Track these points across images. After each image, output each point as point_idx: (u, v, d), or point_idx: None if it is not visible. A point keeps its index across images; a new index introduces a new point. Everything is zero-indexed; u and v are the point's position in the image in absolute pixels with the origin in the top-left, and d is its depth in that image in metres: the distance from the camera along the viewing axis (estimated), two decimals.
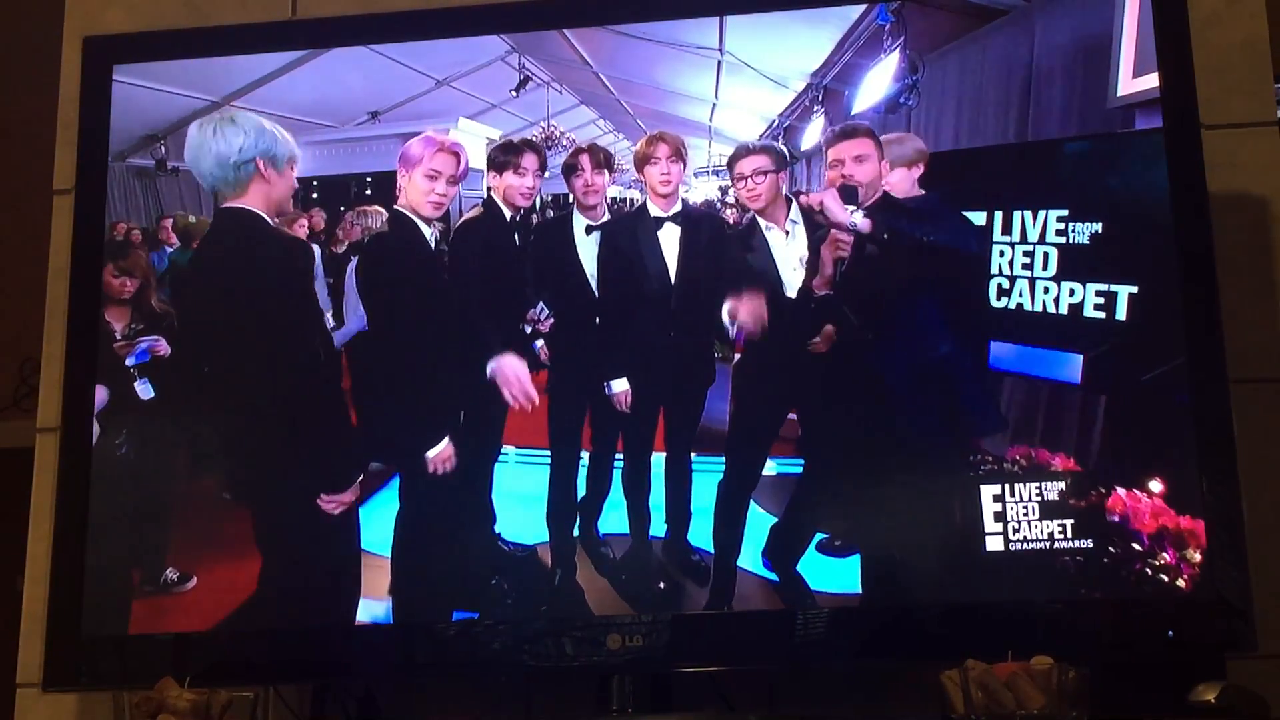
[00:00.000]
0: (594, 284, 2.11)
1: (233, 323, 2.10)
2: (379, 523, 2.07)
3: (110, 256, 2.16)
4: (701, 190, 2.14)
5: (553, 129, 2.21)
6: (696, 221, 2.11)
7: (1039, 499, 1.92)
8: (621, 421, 2.09)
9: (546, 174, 2.13)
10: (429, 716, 2.17)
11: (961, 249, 2.02)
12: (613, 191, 2.14)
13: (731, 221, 2.12)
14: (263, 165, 2.09)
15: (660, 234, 2.10)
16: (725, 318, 2.06)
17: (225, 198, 2.09)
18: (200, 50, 2.24)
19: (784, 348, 2.05)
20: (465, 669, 2.03)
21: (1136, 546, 1.86)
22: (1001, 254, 2.00)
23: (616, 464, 2.08)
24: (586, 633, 1.96)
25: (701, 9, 2.13)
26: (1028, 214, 1.99)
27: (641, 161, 2.11)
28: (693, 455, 2.06)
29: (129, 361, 2.12)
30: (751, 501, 2.04)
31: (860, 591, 1.95)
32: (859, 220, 2.00)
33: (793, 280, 2.06)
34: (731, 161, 2.09)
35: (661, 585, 2.03)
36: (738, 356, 2.07)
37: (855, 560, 1.96)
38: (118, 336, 2.14)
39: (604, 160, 2.12)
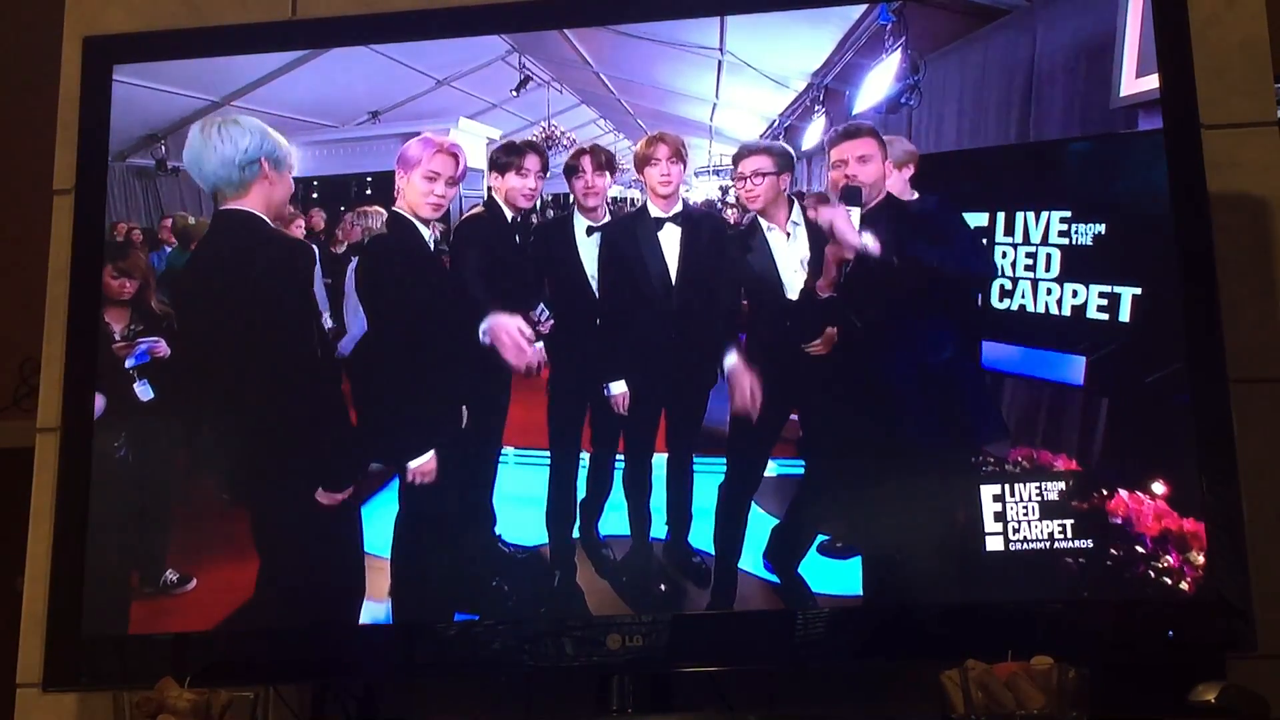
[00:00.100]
0: (594, 285, 2.11)
1: (233, 324, 2.10)
2: (379, 524, 2.07)
3: (109, 258, 2.16)
4: (702, 190, 2.14)
5: (553, 129, 2.21)
6: (697, 222, 2.11)
7: (1039, 499, 1.92)
8: (621, 422, 2.09)
9: (548, 175, 2.13)
10: (429, 716, 2.17)
11: (967, 266, 2.02)
12: (612, 191, 2.14)
13: (732, 221, 2.12)
14: (267, 166, 2.09)
15: (661, 235, 2.10)
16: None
17: (226, 199, 2.09)
18: (200, 50, 2.24)
19: (785, 349, 2.05)
20: (465, 669, 2.03)
21: (1139, 549, 1.86)
22: (1004, 255, 2.00)
23: (617, 465, 2.08)
24: (586, 633, 1.96)
25: (702, 9, 2.13)
26: (1030, 215, 1.99)
27: (641, 162, 2.10)
28: (694, 457, 2.06)
29: (128, 363, 2.12)
30: (753, 503, 2.04)
31: (862, 594, 1.95)
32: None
33: (793, 281, 2.05)
34: (735, 160, 2.09)
35: (663, 587, 2.02)
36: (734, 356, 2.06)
37: (857, 562, 1.96)
38: (117, 338, 2.13)
39: (605, 162, 2.12)
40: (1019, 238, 1.99)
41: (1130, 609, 1.87)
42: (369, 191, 2.18)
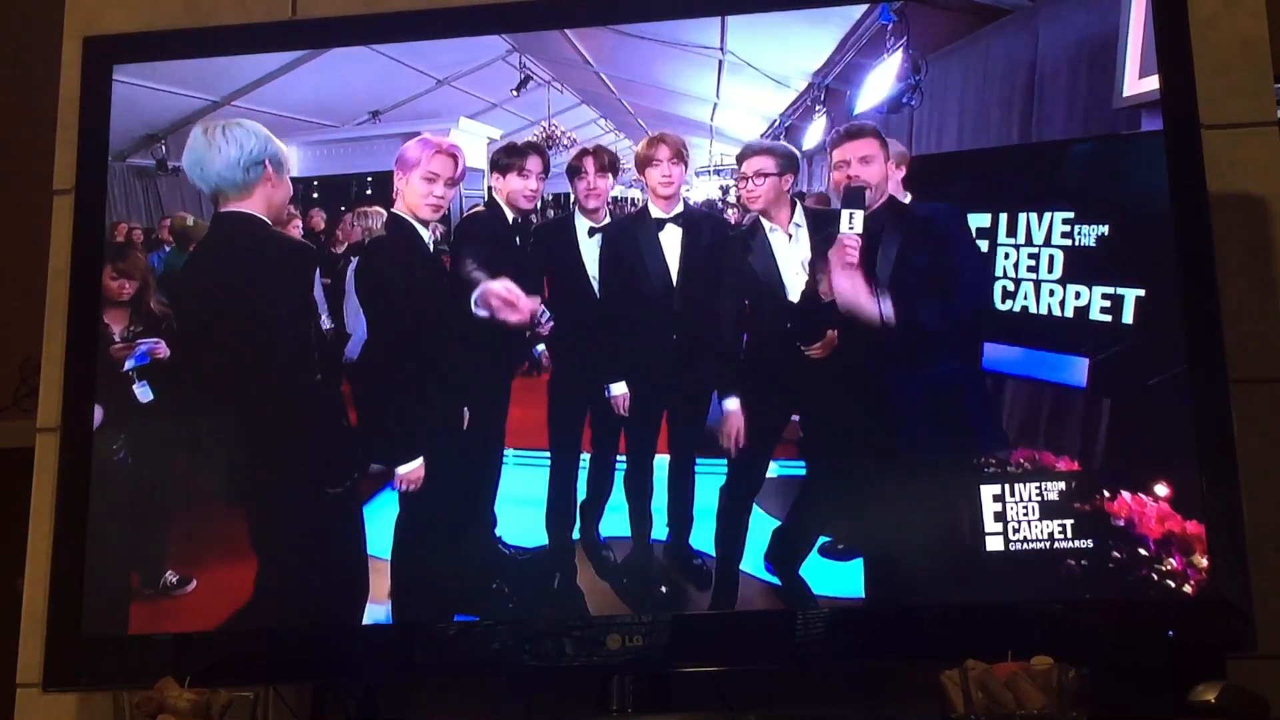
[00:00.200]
0: (596, 286, 2.10)
1: (234, 326, 2.10)
2: (380, 525, 2.07)
3: (109, 259, 2.15)
4: (702, 189, 2.14)
5: (553, 128, 2.21)
6: (698, 223, 2.11)
7: (1039, 499, 1.92)
8: (622, 424, 2.08)
9: (549, 175, 2.13)
10: (429, 716, 2.17)
11: (967, 284, 2.01)
12: (613, 191, 2.14)
13: (733, 221, 2.12)
14: (270, 169, 2.09)
15: (662, 235, 2.10)
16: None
17: (227, 201, 2.09)
18: (200, 50, 2.24)
19: (787, 351, 2.05)
20: (465, 669, 2.03)
21: (1142, 551, 1.86)
22: (1006, 256, 2.00)
23: (618, 466, 2.08)
24: (586, 633, 1.96)
25: (703, 9, 2.12)
26: (1033, 216, 1.98)
27: (643, 163, 2.10)
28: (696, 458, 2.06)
29: (128, 364, 2.12)
30: (754, 505, 2.03)
31: (864, 596, 1.95)
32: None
33: (795, 283, 2.05)
34: (738, 159, 2.08)
35: (663, 589, 2.02)
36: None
37: (858, 564, 1.96)
38: (116, 339, 2.13)
39: (608, 164, 2.11)
40: (1021, 239, 1.98)
41: (1130, 609, 1.87)
42: (369, 191, 2.18)
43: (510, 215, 2.13)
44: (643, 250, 2.10)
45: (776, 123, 2.14)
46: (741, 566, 2.00)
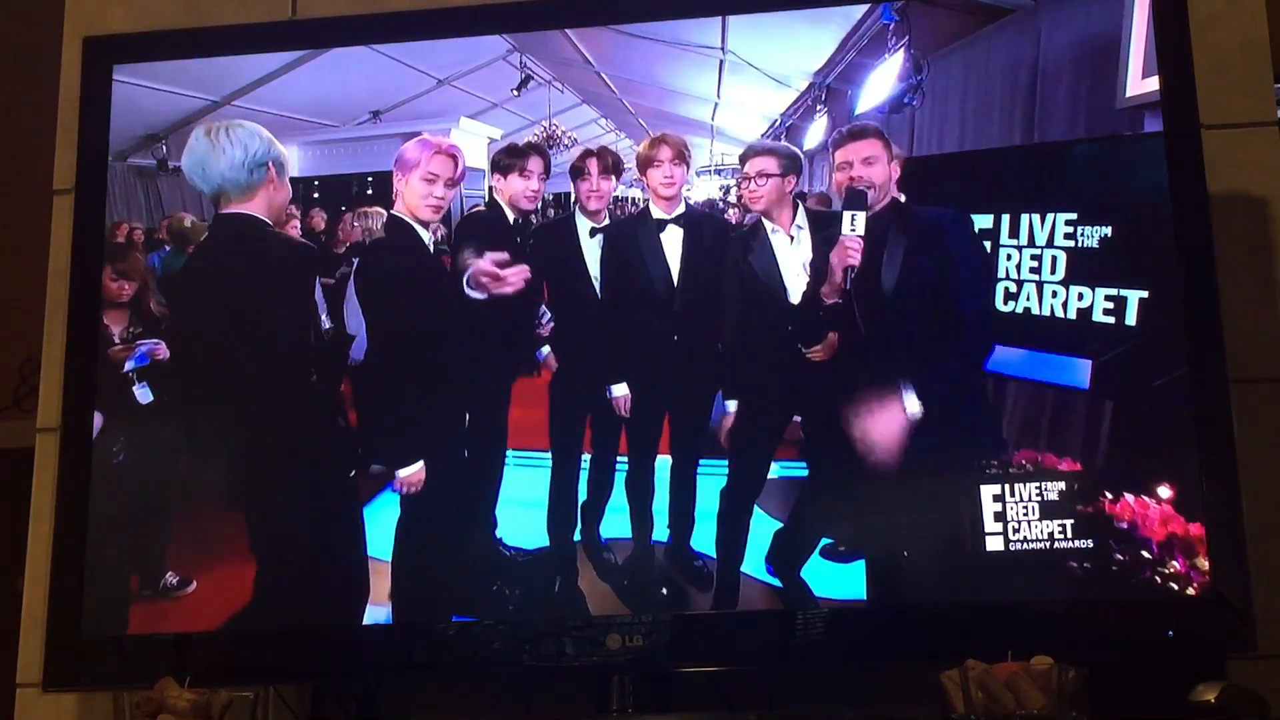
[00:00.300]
0: (597, 286, 2.10)
1: (235, 327, 2.09)
2: (380, 526, 2.07)
3: (108, 260, 2.15)
4: (703, 189, 2.14)
5: (554, 128, 2.21)
6: (699, 224, 2.10)
7: (1039, 499, 1.92)
8: (624, 425, 2.08)
9: (550, 176, 2.13)
10: (429, 716, 2.17)
11: (968, 292, 2.01)
12: (614, 191, 2.14)
13: (734, 221, 2.11)
14: (274, 170, 2.09)
15: (663, 236, 2.10)
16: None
17: (228, 202, 2.09)
18: (200, 50, 2.24)
19: (788, 353, 2.04)
20: (465, 669, 2.03)
21: (1145, 554, 1.86)
22: (1009, 257, 1.99)
23: (619, 467, 2.07)
24: (586, 633, 1.96)
25: (704, 8, 2.12)
26: (1035, 217, 1.98)
27: (644, 164, 2.10)
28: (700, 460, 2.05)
29: (128, 365, 2.11)
30: (755, 506, 2.03)
31: (865, 598, 1.95)
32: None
33: (796, 285, 2.05)
34: (741, 159, 2.08)
35: (664, 591, 2.02)
36: None
37: (859, 566, 1.96)
38: (116, 340, 2.13)
39: (611, 166, 2.11)
40: (1024, 240, 1.98)
41: (1130, 609, 1.87)
42: (369, 191, 2.18)
43: (511, 216, 2.13)
44: (644, 251, 2.09)
45: (777, 122, 2.14)
46: (743, 568, 2.00)
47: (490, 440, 2.08)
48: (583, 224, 2.12)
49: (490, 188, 2.14)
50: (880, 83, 2.07)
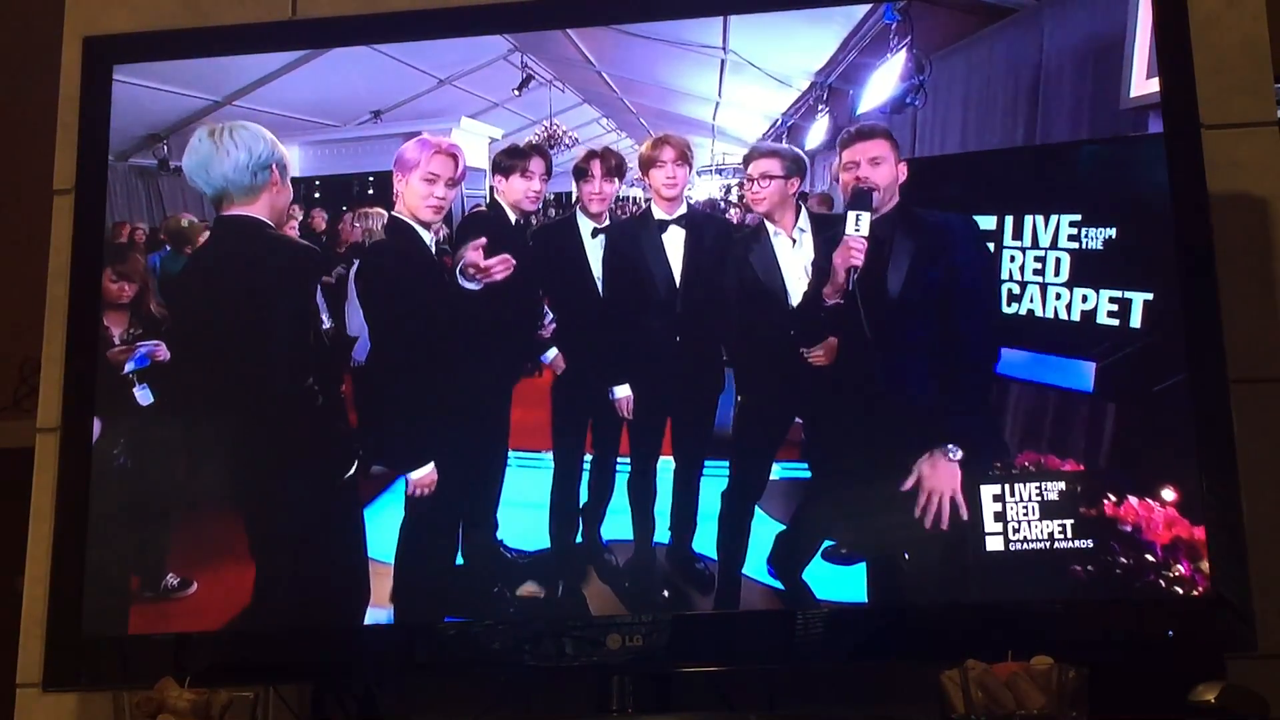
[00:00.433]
0: (600, 286, 2.10)
1: (238, 329, 2.09)
2: (380, 528, 2.06)
3: (108, 261, 2.15)
4: (704, 188, 2.13)
5: (555, 128, 2.21)
6: (701, 225, 2.10)
7: (1039, 499, 1.92)
8: (626, 426, 2.08)
9: (551, 177, 2.13)
10: (429, 716, 2.17)
11: (976, 301, 2.00)
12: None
13: (735, 220, 2.11)
14: (277, 173, 2.09)
15: (665, 237, 2.09)
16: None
17: (230, 204, 2.08)
18: (200, 50, 2.24)
19: (789, 355, 2.04)
20: (465, 669, 2.03)
21: (1150, 558, 1.85)
22: (1012, 259, 1.98)
23: (620, 469, 2.07)
24: (586, 633, 1.96)
25: (705, 8, 2.12)
26: (1039, 219, 1.97)
27: (647, 164, 2.09)
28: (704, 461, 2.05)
29: (128, 367, 2.11)
30: (756, 508, 2.03)
31: (867, 601, 1.95)
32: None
33: (797, 288, 2.04)
34: (745, 161, 2.07)
35: (666, 594, 2.02)
36: None
37: (861, 569, 1.96)
38: (116, 342, 2.13)
39: (615, 168, 2.10)
40: (1027, 241, 1.98)
41: (1130, 609, 1.87)
42: (370, 191, 2.18)
43: (513, 217, 2.13)
44: (646, 252, 2.09)
45: (779, 122, 2.13)
46: (744, 571, 2.00)
47: (492, 442, 2.08)
48: (585, 224, 2.12)
49: (491, 188, 2.14)
50: (882, 83, 2.06)
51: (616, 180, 2.10)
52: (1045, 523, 1.91)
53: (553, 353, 2.11)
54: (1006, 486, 1.94)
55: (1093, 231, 1.95)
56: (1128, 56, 1.97)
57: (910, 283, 1.99)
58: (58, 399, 2.20)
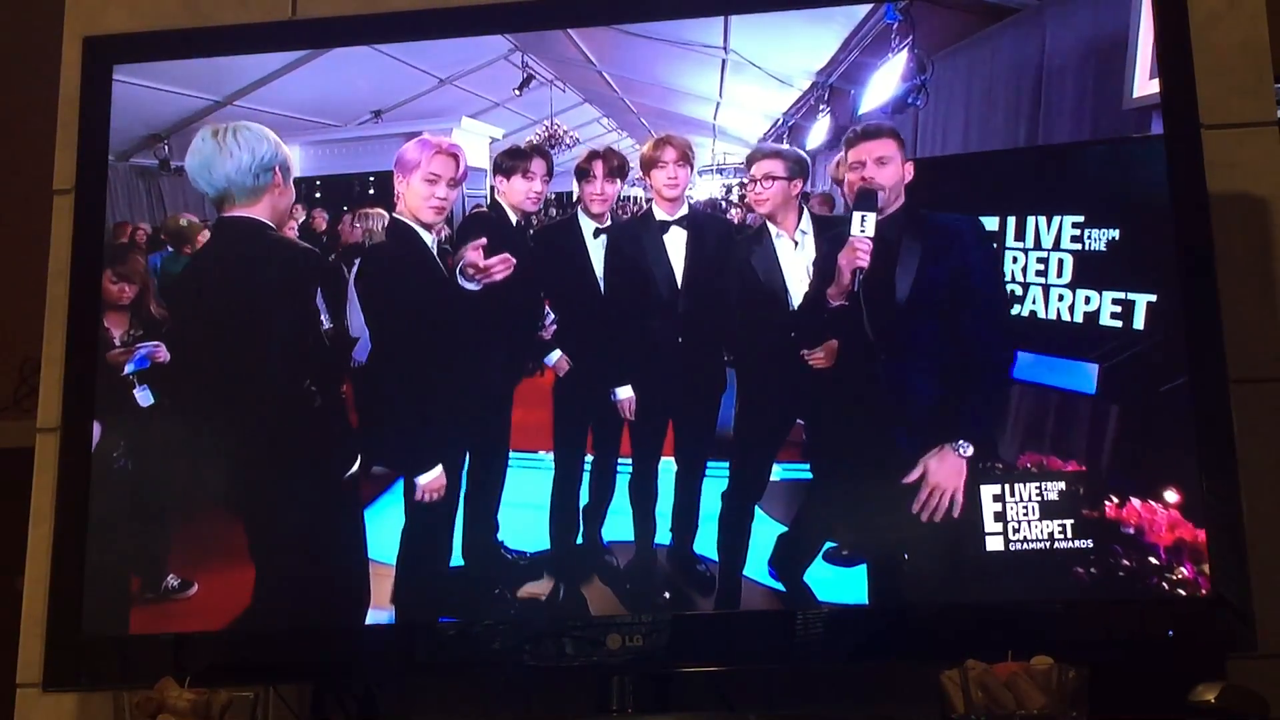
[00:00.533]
0: (602, 287, 2.10)
1: (239, 330, 2.09)
2: (380, 529, 2.06)
3: (108, 262, 2.15)
4: (705, 188, 2.13)
5: (556, 128, 2.20)
6: (703, 225, 2.10)
7: (1039, 499, 1.92)
8: (627, 427, 2.07)
9: (552, 178, 2.12)
10: (429, 716, 2.17)
11: (982, 305, 2.00)
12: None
13: (736, 220, 2.11)
14: (280, 175, 2.09)
15: (666, 238, 2.09)
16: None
17: (232, 206, 2.08)
18: (200, 50, 2.24)
19: (790, 356, 2.03)
20: (465, 669, 2.03)
21: (1153, 560, 1.85)
22: (1015, 260, 1.98)
23: (621, 470, 2.07)
24: (586, 633, 1.96)
25: (706, 8, 2.12)
26: (1041, 220, 1.97)
27: (648, 164, 2.09)
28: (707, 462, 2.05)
29: (128, 368, 2.11)
30: (757, 509, 2.03)
31: (868, 603, 1.95)
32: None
33: (799, 290, 2.04)
34: (748, 162, 2.07)
35: (666, 595, 2.01)
36: None
37: (862, 570, 1.96)
38: (116, 343, 2.12)
39: (617, 168, 2.09)
40: (1030, 243, 1.97)
41: (1130, 609, 1.87)
42: (371, 191, 2.17)
43: (514, 218, 2.12)
44: (647, 252, 2.09)
45: (780, 122, 2.13)
46: (745, 572, 2.00)
47: (494, 443, 2.08)
48: (586, 224, 2.11)
49: (491, 188, 2.13)
50: (884, 83, 2.06)
51: (619, 181, 2.10)
52: (1045, 523, 1.91)
53: (556, 355, 2.10)
54: (1006, 486, 1.94)
55: (1096, 233, 1.95)
56: (1130, 57, 1.97)
57: (918, 284, 1.99)
58: (58, 399, 2.20)
